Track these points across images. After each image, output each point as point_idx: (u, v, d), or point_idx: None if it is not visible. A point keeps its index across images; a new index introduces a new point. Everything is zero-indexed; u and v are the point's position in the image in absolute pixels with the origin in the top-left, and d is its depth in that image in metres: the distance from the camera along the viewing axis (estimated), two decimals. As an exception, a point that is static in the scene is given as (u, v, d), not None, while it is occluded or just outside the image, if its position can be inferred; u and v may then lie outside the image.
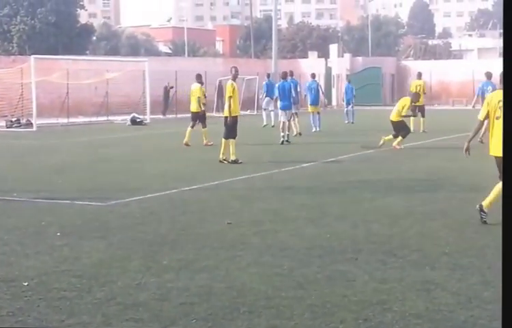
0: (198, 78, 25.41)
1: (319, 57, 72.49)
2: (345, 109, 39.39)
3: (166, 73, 47.79)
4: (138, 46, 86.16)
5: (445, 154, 21.50)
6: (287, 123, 25.44)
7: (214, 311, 6.46)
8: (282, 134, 25.01)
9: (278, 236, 9.68)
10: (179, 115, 48.02)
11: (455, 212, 11.49)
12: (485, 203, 10.79)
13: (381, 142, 22.41)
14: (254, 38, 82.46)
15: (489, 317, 6.42)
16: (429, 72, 71.08)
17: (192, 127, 24.59)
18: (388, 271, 7.84)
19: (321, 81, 65.34)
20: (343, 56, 74.11)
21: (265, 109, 35.44)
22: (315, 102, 31.63)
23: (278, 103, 26.67)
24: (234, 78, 19.36)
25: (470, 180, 15.27)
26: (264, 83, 36.19)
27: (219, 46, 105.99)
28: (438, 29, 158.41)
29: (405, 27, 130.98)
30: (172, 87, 48.93)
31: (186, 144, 24.11)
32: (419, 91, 28.26)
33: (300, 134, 28.00)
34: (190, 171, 17.38)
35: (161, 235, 9.76)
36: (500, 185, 10.86)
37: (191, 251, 8.76)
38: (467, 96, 67.32)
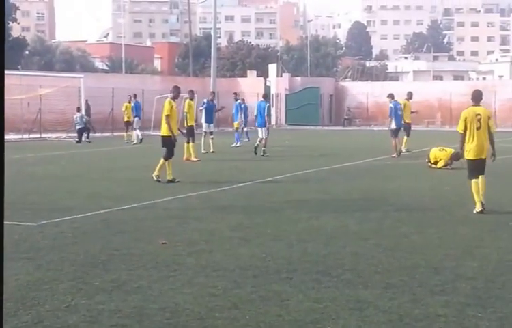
0: (190, 94, 27.13)
1: (258, 76, 72.79)
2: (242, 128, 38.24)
3: (102, 90, 47.29)
4: (73, 62, 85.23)
5: (380, 174, 21.77)
6: (261, 139, 28.65)
7: (145, 333, 6.42)
8: (263, 148, 28.55)
9: (213, 256, 9.66)
10: (115, 133, 47.75)
11: (388, 232, 11.63)
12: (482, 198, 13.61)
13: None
14: (193, 56, 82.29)
15: (420, 335, 6.51)
16: (365, 94, 72.11)
17: (189, 141, 26.27)
18: (322, 290, 7.89)
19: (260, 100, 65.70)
20: (281, 75, 74.54)
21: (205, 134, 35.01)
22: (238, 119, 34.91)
23: (256, 121, 29.61)
24: (174, 98, 19.35)
25: (403, 200, 15.50)
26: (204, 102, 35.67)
27: (157, 64, 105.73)
28: (375, 51, 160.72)
29: (344, 48, 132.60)
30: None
31: (188, 159, 25.76)
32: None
33: (213, 152, 29.61)
34: (125, 191, 17.23)
35: (93, 255, 9.62)
36: (481, 179, 13.76)
37: (124, 272, 8.68)
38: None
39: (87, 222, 12.46)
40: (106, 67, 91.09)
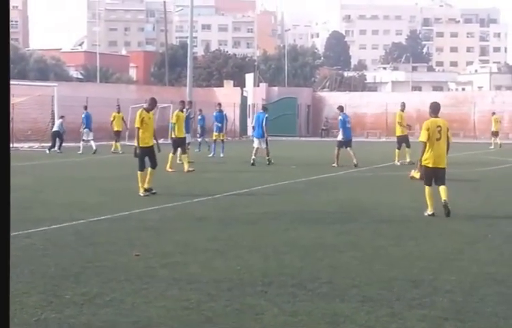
0: (181, 105, 27.63)
1: (234, 86, 72.76)
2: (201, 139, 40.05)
3: (76, 99, 47.03)
4: (47, 71, 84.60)
5: (359, 185, 21.83)
6: (258, 148, 29.87)
7: (117, 347, 6.37)
8: (253, 157, 29.53)
9: (187, 268, 9.61)
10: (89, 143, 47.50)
11: (366, 244, 11.63)
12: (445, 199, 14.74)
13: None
14: (169, 65, 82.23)
15: (397, 350, 6.51)
16: (344, 104, 72.29)
17: (174, 153, 26.53)
18: (298, 304, 7.86)
19: (237, 111, 65.74)
20: (259, 85, 74.64)
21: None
22: (221, 129, 34.83)
23: (254, 132, 31.02)
24: (148, 109, 19.25)
25: (382, 212, 15.54)
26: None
27: (133, 73, 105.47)
28: (354, 61, 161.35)
29: (322, 58, 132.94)
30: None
31: (171, 169, 25.69)
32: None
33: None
34: (99, 201, 17.11)
35: (64, 268, 9.52)
36: (442, 189, 14.91)
37: (96, 285, 8.60)
38: (381, 128, 68.70)
39: (59, 233, 12.36)
40: (81, 76, 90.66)
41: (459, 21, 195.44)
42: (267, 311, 7.58)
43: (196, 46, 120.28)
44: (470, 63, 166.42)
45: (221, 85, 75.46)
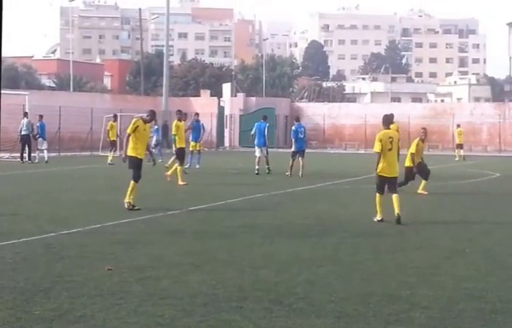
0: (179, 114, 27.33)
1: (211, 95, 72.75)
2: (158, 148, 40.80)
3: (49, 108, 46.73)
4: (18, 79, 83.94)
5: (335, 199, 21.88)
6: (260, 157, 30.92)
7: (86, 366, 6.32)
8: (256, 167, 30.66)
9: (161, 283, 9.56)
10: (62, 154, 47.35)
11: (343, 258, 11.66)
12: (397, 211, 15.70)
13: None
14: (144, 74, 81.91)
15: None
16: (322, 115, 72.56)
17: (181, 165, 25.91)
18: (274, 320, 7.85)
19: (214, 121, 65.73)
20: (236, 95, 74.71)
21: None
22: (197, 139, 34.02)
23: (255, 141, 31.51)
24: (146, 121, 18.83)
25: (358, 226, 15.57)
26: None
27: (107, 82, 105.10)
28: (332, 71, 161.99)
29: (300, 68, 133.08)
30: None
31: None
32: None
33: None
34: (70, 214, 16.97)
35: (34, 283, 9.43)
36: (395, 197, 15.92)
37: (66, 300, 8.53)
38: (360, 139, 68.97)
39: (28, 247, 12.25)
40: (53, 85, 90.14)
41: (438, 32, 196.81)
42: (243, 327, 7.58)
43: (172, 54, 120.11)
44: (449, 74, 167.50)
45: (198, 95, 75.42)
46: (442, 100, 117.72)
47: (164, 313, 8.01)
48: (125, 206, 17.80)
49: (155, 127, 40.56)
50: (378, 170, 16.24)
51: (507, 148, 64.28)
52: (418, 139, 23.20)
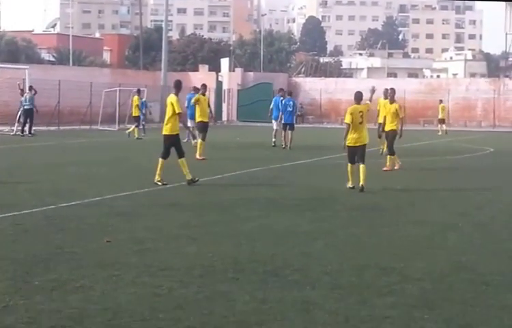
0: (203, 88, 25.95)
1: (210, 70, 72.50)
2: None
3: (48, 82, 46.63)
4: (18, 53, 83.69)
5: (332, 172, 21.88)
6: (277, 130, 31.89)
7: (86, 335, 6.38)
8: (273, 139, 31.87)
9: (159, 255, 9.62)
10: (61, 127, 47.28)
11: (338, 232, 11.73)
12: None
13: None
14: (143, 49, 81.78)
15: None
16: (319, 90, 72.46)
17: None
18: (269, 291, 7.91)
19: (212, 95, 65.63)
20: (234, 70, 74.53)
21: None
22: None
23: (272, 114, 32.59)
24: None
25: (354, 200, 15.64)
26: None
27: (107, 56, 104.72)
28: (330, 47, 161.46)
29: (298, 43, 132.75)
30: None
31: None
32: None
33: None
34: (70, 187, 17.03)
35: (34, 254, 9.49)
36: (362, 168, 17.16)
37: (65, 271, 8.59)
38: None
39: (29, 219, 12.30)
40: (53, 59, 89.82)
41: (435, 8, 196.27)
42: (239, 298, 7.63)
43: (171, 29, 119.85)
44: (445, 50, 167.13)
45: (196, 70, 75.16)
46: (438, 76, 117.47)
47: (162, 284, 8.08)
48: (158, 183, 17.56)
49: (143, 100, 40.13)
50: (347, 142, 17.48)
51: (501, 124, 64.23)
52: (394, 103, 22.98)
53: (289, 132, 31.00)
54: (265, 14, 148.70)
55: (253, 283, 8.26)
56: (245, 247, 10.29)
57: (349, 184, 17.34)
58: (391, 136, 22.39)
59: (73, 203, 14.27)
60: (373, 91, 19.64)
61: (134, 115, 38.86)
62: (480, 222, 13.10)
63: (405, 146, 28.27)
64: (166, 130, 17.80)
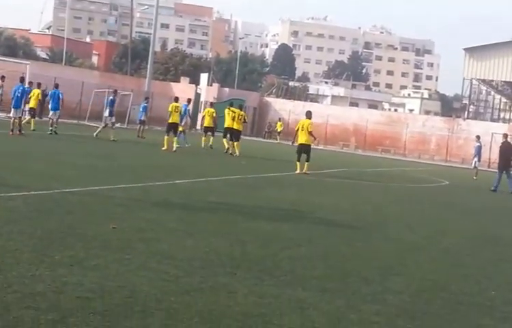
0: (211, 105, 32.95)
1: (190, 83, 72.75)
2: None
3: (44, 78, 46.43)
4: (16, 48, 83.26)
5: (304, 187, 22.00)
6: None
7: (109, 308, 6.36)
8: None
9: (161, 244, 9.62)
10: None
11: (319, 241, 11.78)
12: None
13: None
14: (130, 57, 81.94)
15: (357, 338, 6.66)
16: (287, 111, 72.90)
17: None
18: (265, 288, 7.95)
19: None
20: (211, 85, 74.78)
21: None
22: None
23: None
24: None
25: (328, 215, 15.64)
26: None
27: (95, 60, 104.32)
28: (298, 73, 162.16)
29: (269, 67, 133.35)
30: (47, 95, 47.40)
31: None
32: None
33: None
34: (70, 175, 16.95)
35: (49, 231, 9.46)
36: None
37: (81, 250, 8.57)
38: (320, 137, 69.25)
39: (39, 200, 12.23)
40: (47, 57, 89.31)
41: (396, 48, 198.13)
42: (239, 291, 7.66)
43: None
44: (403, 87, 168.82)
45: (177, 81, 75.33)
46: (396, 110, 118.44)
47: (169, 271, 8.09)
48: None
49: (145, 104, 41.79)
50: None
51: (452, 159, 65.04)
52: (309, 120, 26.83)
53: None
54: (243, 38, 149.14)
55: (249, 279, 8.27)
56: (237, 246, 10.27)
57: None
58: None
59: (75, 189, 14.21)
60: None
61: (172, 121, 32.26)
62: (446, 247, 13.23)
63: (369, 171, 28.60)
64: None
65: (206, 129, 36.77)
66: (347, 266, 9.80)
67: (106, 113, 35.60)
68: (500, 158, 30.83)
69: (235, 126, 33.69)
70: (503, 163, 30.46)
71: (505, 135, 32.03)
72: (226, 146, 33.53)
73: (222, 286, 7.78)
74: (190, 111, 36.39)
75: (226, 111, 34.50)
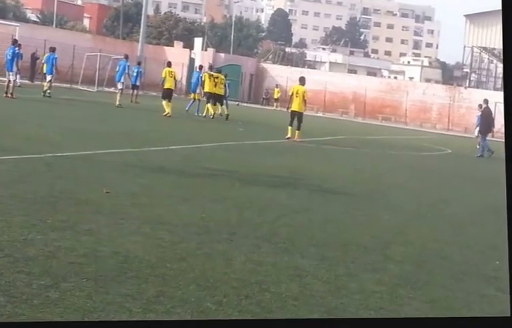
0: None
1: (184, 47, 72.27)
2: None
3: (35, 41, 46.15)
4: (6, 10, 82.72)
5: (302, 154, 21.95)
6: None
7: (103, 273, 6.31)
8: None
9: (155, 209, 9.57)
10: (44, 83, 46.65)
11: (317, 209, 11.74)
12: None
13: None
14: (122, 20, 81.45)
15: (356, 306, 6.58)
16: (285, 77, 72.64)
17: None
18: (263, 255, 7.91)
19: (185, 70, 65.37)
20: (206, 50, 74.38)
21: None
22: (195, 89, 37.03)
23: None
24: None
25: (327, 183, 15.57)
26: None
27: (86, 23, 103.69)
28: (295, 39, 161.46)
29: (265, 32, 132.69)
30: (38, 58, 47.19)
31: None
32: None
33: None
34: (62, 139, 16.89)
35: (41, 195, 9.41)
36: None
37: (73, 214, 8.51)
38: (319, 104, 69.17)
39: (29, 163, 12.18)
40: (37, 20, 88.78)
41: (396, 14, 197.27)
42: (235, 258, 7.61)
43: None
44: (403, 54, 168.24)
45: (170, 45, 74.90)
46: (395, 77, 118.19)
47: (163, 237, 8.04)
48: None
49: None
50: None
51: (454, 128, 65.02)
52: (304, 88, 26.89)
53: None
54: (238, 1, 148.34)
55: (247, 246, 8.23)
56: (233, 212, 10.23)
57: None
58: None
59: (67, 154, 14.15)
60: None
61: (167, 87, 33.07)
62: (447, 215, 13.20)
63: (369, 139, 28.58)
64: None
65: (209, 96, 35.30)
66: (346, 235, 9.75)
67: (122, 79, 36.40)
68: (482, 123, 32.11)
69: (217, 91, 34.45)
70: (484, 128, 31.84)
71: (486, 100, 33.14)
72: (212, 112, 33.75)
73: (218, 253, 7.74)
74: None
75: (207, 75, 34.62)
